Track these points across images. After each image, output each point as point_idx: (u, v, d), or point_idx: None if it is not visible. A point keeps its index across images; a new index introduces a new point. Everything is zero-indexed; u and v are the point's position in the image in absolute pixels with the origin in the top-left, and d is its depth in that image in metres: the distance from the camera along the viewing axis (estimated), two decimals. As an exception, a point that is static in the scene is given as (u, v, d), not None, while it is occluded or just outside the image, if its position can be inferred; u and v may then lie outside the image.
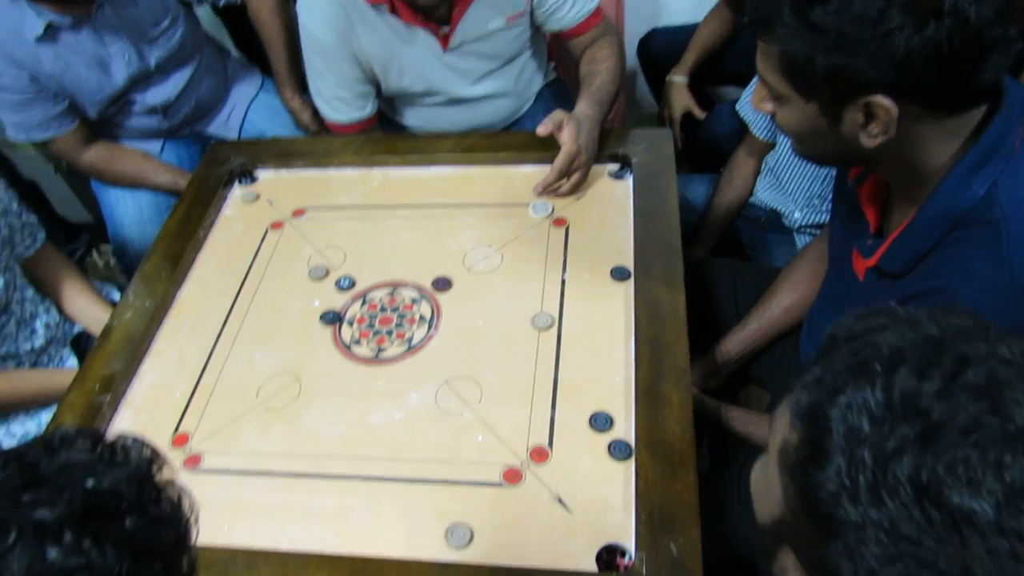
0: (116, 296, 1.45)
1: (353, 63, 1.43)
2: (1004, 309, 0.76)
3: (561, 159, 1.26)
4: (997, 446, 0.40)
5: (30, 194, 2.09)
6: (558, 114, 1.28)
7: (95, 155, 1.61)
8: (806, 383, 0.49)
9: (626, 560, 0.89)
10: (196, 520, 0.49)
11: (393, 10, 1.36)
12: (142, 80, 1.57)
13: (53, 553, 0.40)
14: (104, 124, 1.63)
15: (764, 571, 0.56)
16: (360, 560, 0.90)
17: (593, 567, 0.89)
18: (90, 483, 0.43)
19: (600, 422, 1.01)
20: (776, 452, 0.51)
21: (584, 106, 1.34)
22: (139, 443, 0.48)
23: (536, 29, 1.55)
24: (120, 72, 1.52)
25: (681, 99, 1.89)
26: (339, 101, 1.48)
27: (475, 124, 1.60)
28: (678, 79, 1.90)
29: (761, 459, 0.55)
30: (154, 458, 0.49)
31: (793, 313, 1.25)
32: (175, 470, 0.51)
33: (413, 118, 1.62)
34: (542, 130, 1.26)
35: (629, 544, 0.90)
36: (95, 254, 2.22)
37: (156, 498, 0.46)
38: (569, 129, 1.26)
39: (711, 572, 0.87)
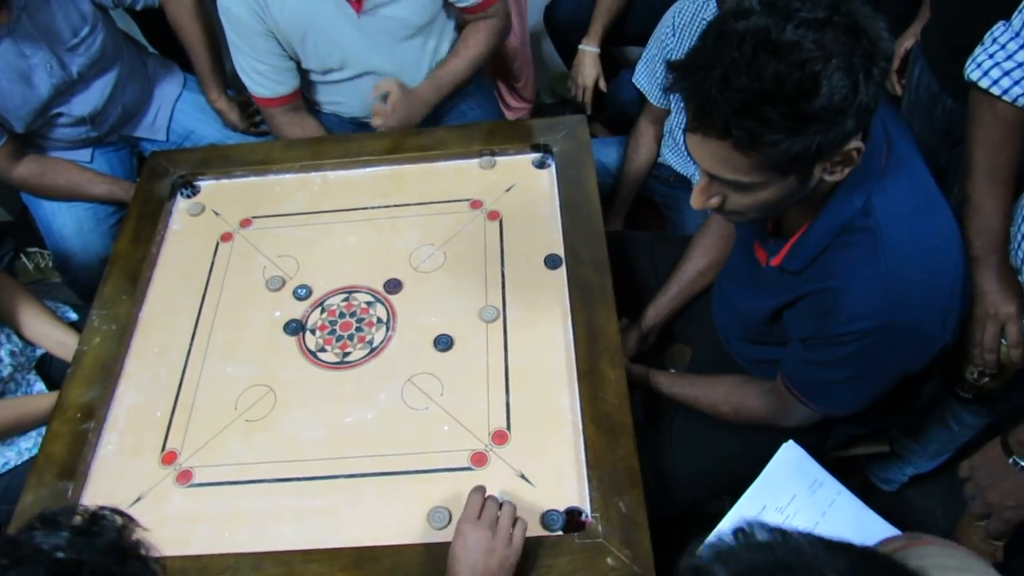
0: (71, 315, 1.49)
1: (269, 37, 1.50)
2: (883, 304, 0.92)
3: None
4: None
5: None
6: (388, 82, 1.50)
7: (26, 170, 1.61)
8: None
9: (583, 518, 1.06)
10: (163, 568, 0.62)
11: None
12: (66, 90, 1.57)
13: None
14: (32, 137, 1.63)
15: None
16: (356, 550, 1.03)
17: (558, 530, 1.05)
18: (59, 555, 0.57)
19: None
20: None
21: (425, 86, 1.57)
22: (114, 514, 0.61)
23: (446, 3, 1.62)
24: (43, 83, 1.52)
25: (593, 69, 2.00)
26: (259, 75, 1.55)
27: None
28: (590, 49, 1.99)
29: None
30: (125, 524, 0.61)
31: (707, 275, 1.42)
32: (145, 531, 0.63)
33: (332, 95, 1.69)
34: (374, 93, 1.49)
35: (585, 506, 1.06)
36: (24, 258, 2.20)
37: (121, 559, 0.59)
38: (394, 101, 1.50)
39: (654, 515, 1.04)
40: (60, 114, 1.60)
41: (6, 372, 1.33)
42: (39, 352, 1.42)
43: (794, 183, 0.88)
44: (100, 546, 0.57)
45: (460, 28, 1.69)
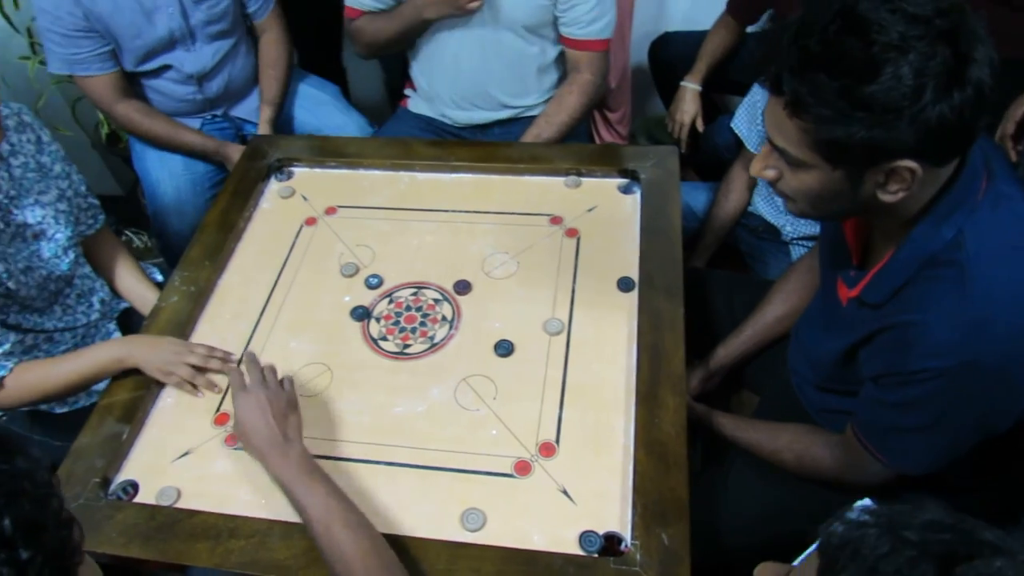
0: (157, 276, 1.56)
1: None
2: (964, 341, 0.86)
3: None
4: None
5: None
6: None
7: (131, 107, 1.73)
8: None
9: (622, 547, 1.01)
10: (49, 470, 0.62)
11: None
12: (180, 40, 1.68)
13: None
14: (146, 90, 1.75)
15: None
16: (385, 536, 1.01)
17: (593, 552, 1.00)
18: None
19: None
20: None
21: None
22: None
23: (555, 30, 1.66)
24: (162, 24, 1.63)
25: (692, 106, 1.99)
26: None
27: (479, 84, 1.73)
28: (692, 86, 1.99)
29: None
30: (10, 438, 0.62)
31: (785, 322, 1.37)
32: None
33: (421, 65, 1.76)
34: None
35: (625, 533, 1.02)
36: (130, 235, 2.33)
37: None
38: None
39: (700, 559, 0.99)
40: (169, 67, 1.71)
41: (94, 318, 1.41)
42: (123, 305, 1.48)
43: (842, 181, 0.85)
44: None
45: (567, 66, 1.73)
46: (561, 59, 1.74)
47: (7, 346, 1.19)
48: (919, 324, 0.89)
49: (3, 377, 1.19)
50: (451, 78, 1.73)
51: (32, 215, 1.27)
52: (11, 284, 1.21)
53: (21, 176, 1.26)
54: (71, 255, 1.33)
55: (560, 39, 1.68)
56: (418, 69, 1.80)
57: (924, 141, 0.78)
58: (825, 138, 0.80)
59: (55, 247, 1.30)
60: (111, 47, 1.64)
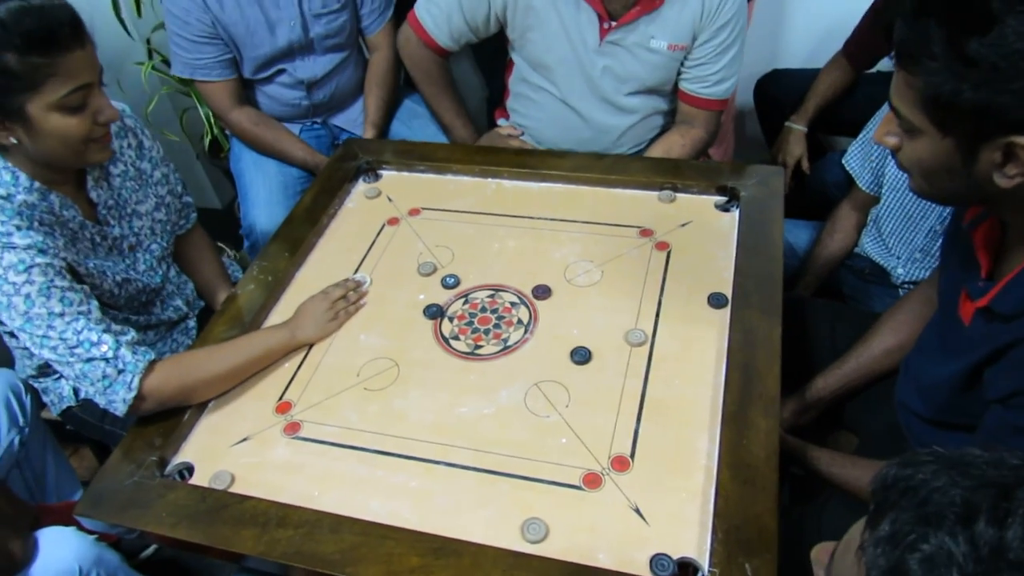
0: (239, 275, 1.55)
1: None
2: None
3: None
4: None
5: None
6: None
7: (244, 115, 1.78)
8: (878, 539, 0.49)
9: (698, 575, 0.90)
10: None
11: None
12: (298, 51, 1.74)
13: None
14: (256, 94, 1.82)
15: None
16: (439, 539, 0.94)
17: (664, 577, 0.90)
18: None
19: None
20: None
21: None
22: None
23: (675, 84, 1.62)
24: (283, 36, 1.70)
25: (798, 147, 1.89)
26: (438, 9, 1.60)
27: (592, 138, 1.67)
28: (797, 127, 1.90)
29: None
30: None
31: (893, 356, 1.23)
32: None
33: (528, 109, 1.70)
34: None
35: (703, 560, 0.91)
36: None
37: None
38: None
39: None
40: (283, 71, 1.76)
41: (178, 315, 1.40)
42: (202, 304, 1.48)
43: (952, 154, 0.76)
44: None
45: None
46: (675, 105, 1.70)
47: (132, 334, 1.11)
48: None
49: (153, 361, 1.09)
50: (561, 130, 1.68)
51: (130, 227, 1.27)
52: (97, 293, 1.18)
53: (120, 186, 1.25)
54: (163, 267, 1.34)
55: (678, 93, 1.63)
56: (522, 112, 1.74)
57: None
58: (932, 94, 0.73)
59: (150, 259, 1.31)
60: (232, 55, 1.70)
